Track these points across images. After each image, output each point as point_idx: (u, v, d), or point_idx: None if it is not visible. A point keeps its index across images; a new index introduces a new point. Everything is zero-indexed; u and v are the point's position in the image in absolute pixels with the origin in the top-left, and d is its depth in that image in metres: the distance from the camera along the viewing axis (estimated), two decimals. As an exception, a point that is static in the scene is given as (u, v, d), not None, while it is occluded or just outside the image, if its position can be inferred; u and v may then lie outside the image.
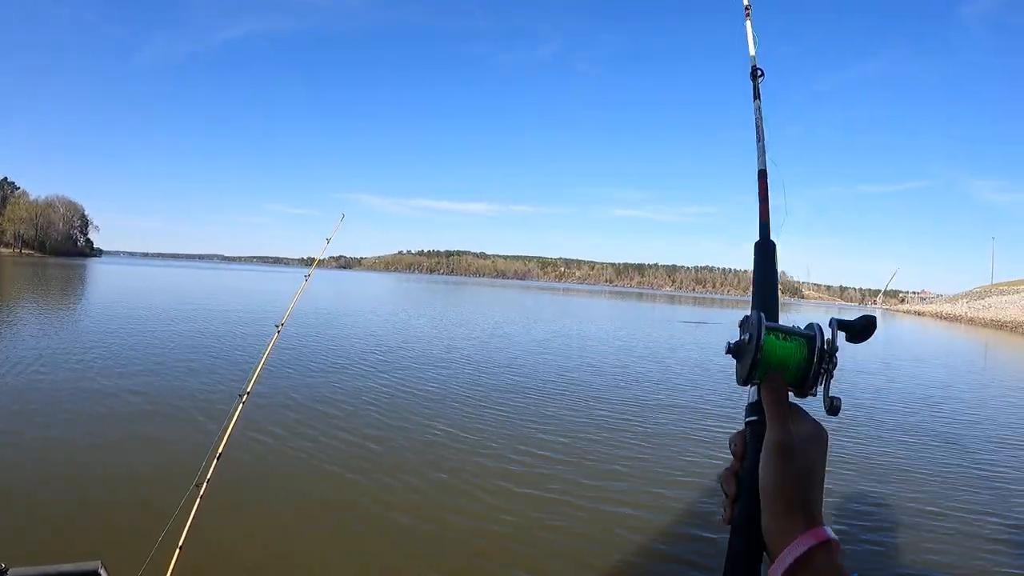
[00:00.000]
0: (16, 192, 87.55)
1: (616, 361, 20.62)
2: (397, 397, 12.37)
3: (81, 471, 7.10)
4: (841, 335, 0.90)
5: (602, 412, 12.20)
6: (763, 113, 1.29)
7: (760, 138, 1.27)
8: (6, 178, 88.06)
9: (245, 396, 3.85)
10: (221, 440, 3.69)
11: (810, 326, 0.93)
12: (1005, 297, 67.73)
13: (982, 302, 70.17)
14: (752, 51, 1.38)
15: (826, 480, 0.83)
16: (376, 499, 6.92)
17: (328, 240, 5.10)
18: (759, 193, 1.28)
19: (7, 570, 3.83)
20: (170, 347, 16.70)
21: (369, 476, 7.65)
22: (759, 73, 1.33)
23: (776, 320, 0.98)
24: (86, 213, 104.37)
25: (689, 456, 9.42)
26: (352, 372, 14.95)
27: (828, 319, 0.91)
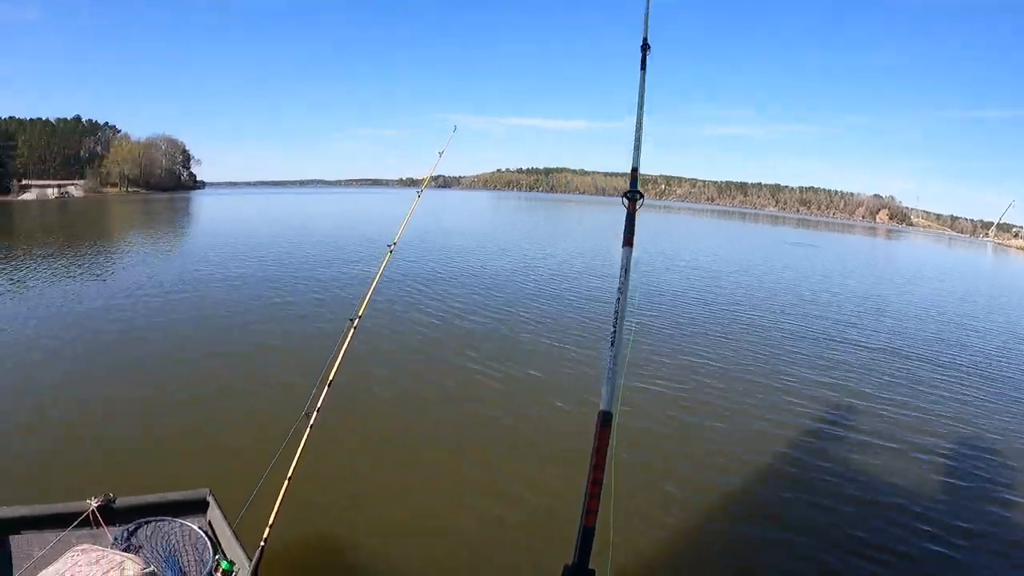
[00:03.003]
0: (118, 135, 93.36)
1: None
2: (513, 323, 11.74)
3: (191, 400, 7.12)
4: None
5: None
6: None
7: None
8: (107, 122, 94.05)
9: (356, 321, 3.45)
10: (331, 368, 3.33)
11: None
12: None
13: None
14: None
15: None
16: (478, 430, 6.71)
17: (440, 153, 4.56)
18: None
19: (115, 500, 3.63)
20: (281, 273, 16.28)
21: (479, 403, 7.40)
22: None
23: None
24: (187, 149, 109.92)
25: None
26: (461, 295, 14.25)
27: None
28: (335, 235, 28.01)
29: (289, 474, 3.21)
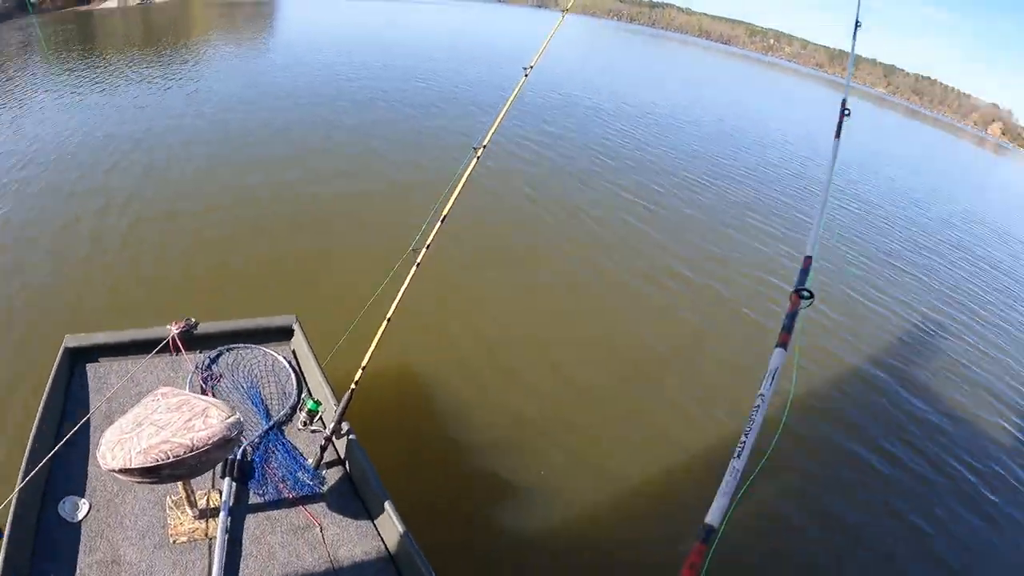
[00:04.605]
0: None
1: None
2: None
3: (285, 225, 6.66)
4: None
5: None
6: None
7: None
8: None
9: (481, 150, 2.88)
10: (447, 200, 2.82)
11: None
12: None
13: None
14: None
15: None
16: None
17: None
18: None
19: (196, 325, 3.37)
20: (393, 91, 14.64)
21: (607, 256, 7.05)
22: None
23: None
24: None
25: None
26: (595, 133, 13.40)
27: None
28: (450, 52, 25.11)
29: (388, 314, 2.81)
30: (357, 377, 2.83)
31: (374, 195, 7.87)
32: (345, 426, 2.89)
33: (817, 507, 4.26)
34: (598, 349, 5.34)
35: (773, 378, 1.34)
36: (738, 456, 1.24)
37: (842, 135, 2.00)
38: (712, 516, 1.13)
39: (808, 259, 1.59)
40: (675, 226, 8.95)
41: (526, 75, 3.09)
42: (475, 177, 2.92)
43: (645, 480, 4.13)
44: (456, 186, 2.81)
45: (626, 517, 3.82)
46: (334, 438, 2.90)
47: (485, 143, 2.86)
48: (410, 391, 4.22)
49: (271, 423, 3.06)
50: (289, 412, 3.17)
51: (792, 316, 1.45)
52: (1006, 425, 5.95)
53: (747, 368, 5.53)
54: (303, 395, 3.23)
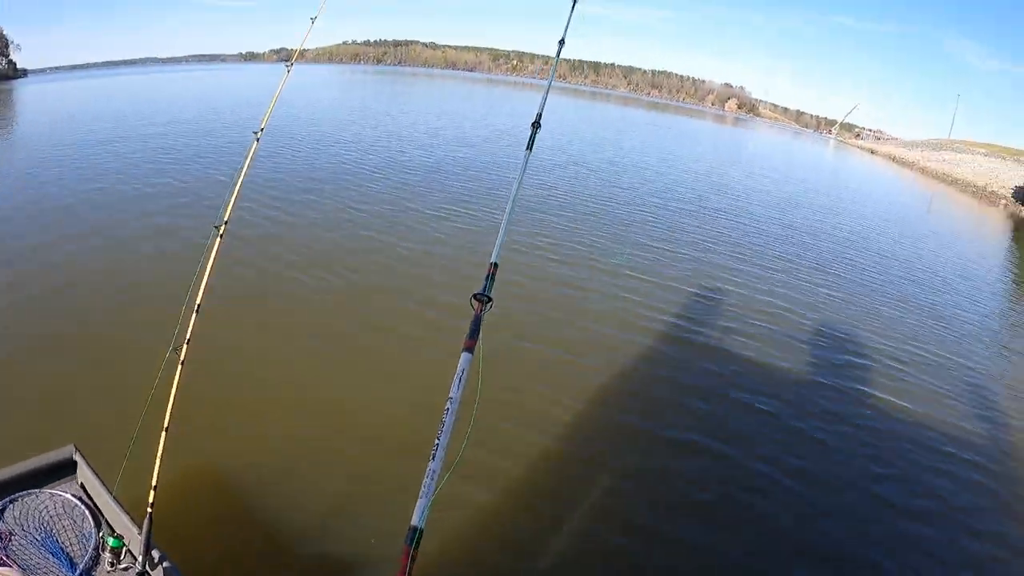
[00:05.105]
0: (-75, 27, 76.10)
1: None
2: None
3: (34, 344, 5.79)
4: None
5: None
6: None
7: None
8: (-91, 11, 75.41)
9: (223, 228, 2.75)
10: (197, 290, 2.66)
11: None
12: (960, 155, 63.80)
13: (938, 154, 67.05)
14: None
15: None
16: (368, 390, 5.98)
17: (313, 20, 3.68)
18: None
19: None
20: (130, 172, 13.33)
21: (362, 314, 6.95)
22: None
23: None
24: (4, 33, 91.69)
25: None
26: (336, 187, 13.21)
27: None
28: (184, 122, 23.18)
29: (166, 423, 2.60)
30: (151, 499, 2.59)
31: (122, 296, 7.08)
32: (156, 554, 2.64)
33: (516, 495, 4.50)
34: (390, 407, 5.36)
35: (460, 380, 1.38)
36: (433, 458, 1.29)
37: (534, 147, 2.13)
38: (415, 518, 1.19)
39: (493, 266, 1.64)
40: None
41: (257, 139, 3.01)
42: (231, 253, 2.79)
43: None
44: (204, 271, 2.67)
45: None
46: (148, 570, 2.65)
47: (226, 219, 2.74)
48: (220, 494, 3.89)
49: (77, 573, 2.72)
50: (94, 555, 2.83)
51: (476, 321, 1.50)
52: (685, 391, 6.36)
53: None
54: (102, 533, 2.90)
